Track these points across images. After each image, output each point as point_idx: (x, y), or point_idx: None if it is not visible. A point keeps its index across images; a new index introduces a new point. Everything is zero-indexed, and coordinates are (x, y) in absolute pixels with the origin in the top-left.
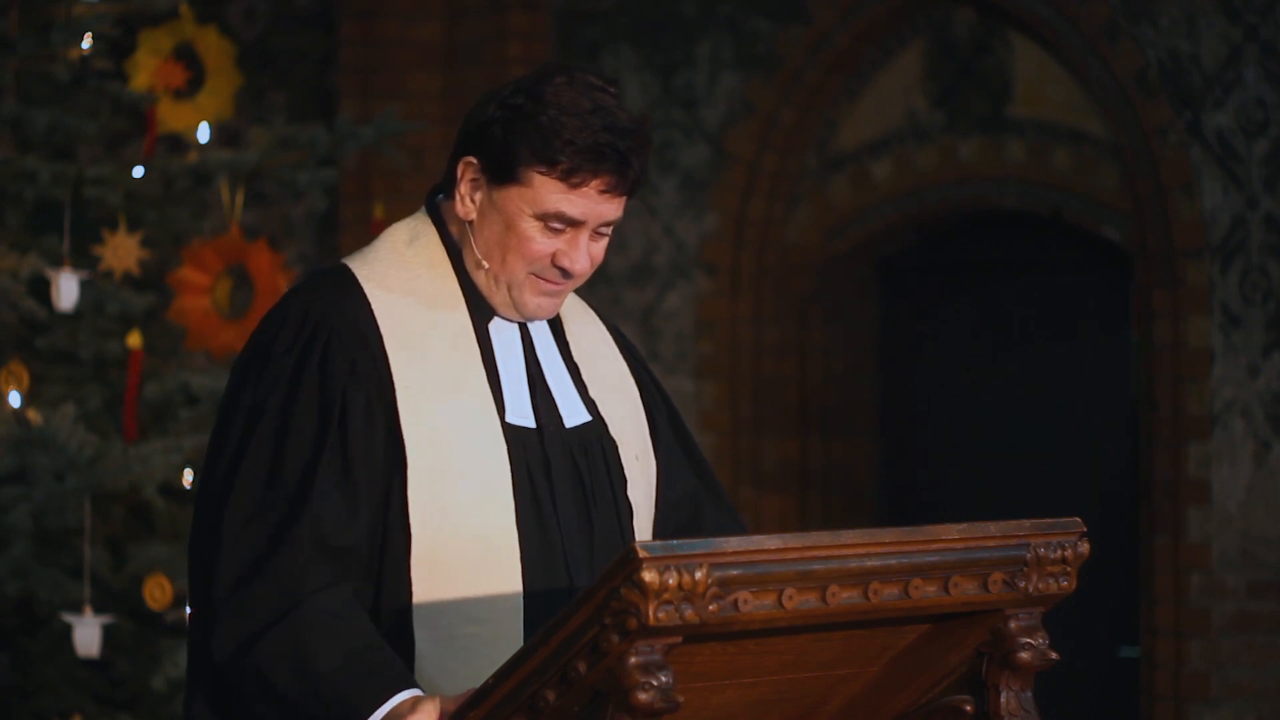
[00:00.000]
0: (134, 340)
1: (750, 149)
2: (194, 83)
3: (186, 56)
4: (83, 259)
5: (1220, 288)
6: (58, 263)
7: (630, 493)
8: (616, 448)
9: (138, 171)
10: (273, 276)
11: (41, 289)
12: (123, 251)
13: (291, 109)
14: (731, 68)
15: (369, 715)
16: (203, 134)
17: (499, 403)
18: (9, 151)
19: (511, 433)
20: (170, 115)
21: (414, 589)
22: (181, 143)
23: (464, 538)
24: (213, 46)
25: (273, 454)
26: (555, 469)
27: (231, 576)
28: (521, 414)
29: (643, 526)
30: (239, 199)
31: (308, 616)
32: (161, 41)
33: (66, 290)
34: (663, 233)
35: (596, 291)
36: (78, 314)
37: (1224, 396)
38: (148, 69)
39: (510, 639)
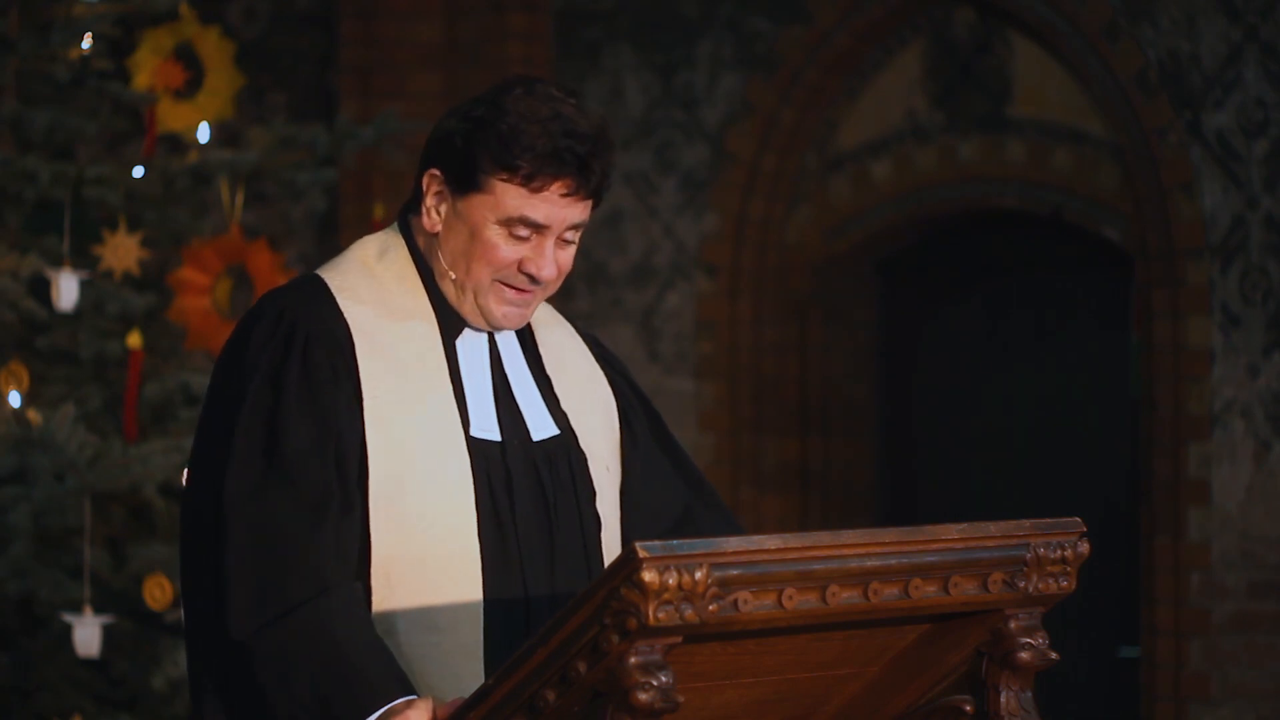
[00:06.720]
0: (134, 340)
1: (750, 149)
2: (194, 83)
3: (186, 56)
4: (83, 259)
5: (1220, 288)
6: (58, 263)
7: (599, 505)
8: (586, 460)
9: (138, 171)
10: (273, 276)
11: (41, 289)
12: (123, 251)
13: (291, 109)
14: (731, 68)
15: (382, 706)
16: (203, 134)
17: (464, 416)
18: (9, 151)
19: (475, 446)
20: (170, 115)
21: (374, 597)
22: (181, 143)
23: (425, 548)
24: (213, 46)
25: (266, 438)
26: (516, 483)
27: (248, 552)
28: (486, 428)
29: (612, 538)
30: (239, 199)
31: (338, 603)
32: (161, 41)
33: (66, 290)
34: (663, 233)
35: (597, 292)
36: (78, 314)
37: (1224, 396)
38: (148, 69)
39: (469, 649)
